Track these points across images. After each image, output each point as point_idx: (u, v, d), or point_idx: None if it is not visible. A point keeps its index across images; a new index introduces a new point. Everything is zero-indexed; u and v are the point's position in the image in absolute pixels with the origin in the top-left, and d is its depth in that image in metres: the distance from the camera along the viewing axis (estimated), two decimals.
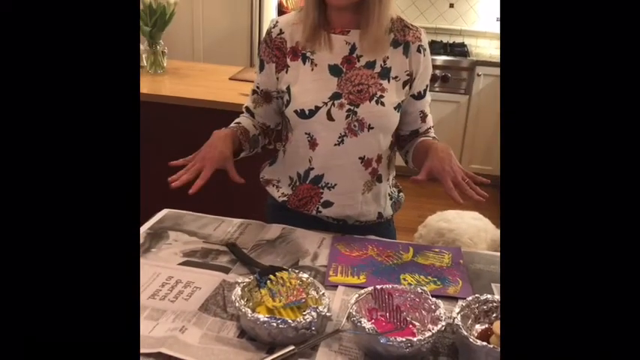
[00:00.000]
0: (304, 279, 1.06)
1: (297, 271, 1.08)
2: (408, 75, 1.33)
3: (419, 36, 1.33)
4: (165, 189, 1.23)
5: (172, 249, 1.27)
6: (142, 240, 1.29)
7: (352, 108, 1.30)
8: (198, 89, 2.63)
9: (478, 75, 3.72)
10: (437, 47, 3.94)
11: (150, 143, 2.50)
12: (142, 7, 2.69)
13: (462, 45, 4.04)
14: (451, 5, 4.15)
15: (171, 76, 2.81)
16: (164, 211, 1.44)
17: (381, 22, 1.27)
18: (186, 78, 2.80)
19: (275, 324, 0.93)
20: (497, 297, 1.05)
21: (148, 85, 2.63)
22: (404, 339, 0.90)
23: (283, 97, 1.35)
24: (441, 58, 3.78)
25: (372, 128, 1.31)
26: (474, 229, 2.12)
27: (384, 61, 1.31)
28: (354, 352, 0.96)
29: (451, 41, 4.12)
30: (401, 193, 1.52)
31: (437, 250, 1.31)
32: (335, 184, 1.36)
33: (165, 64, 2.81)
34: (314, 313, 0.95)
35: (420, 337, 0.91)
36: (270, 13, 3.83)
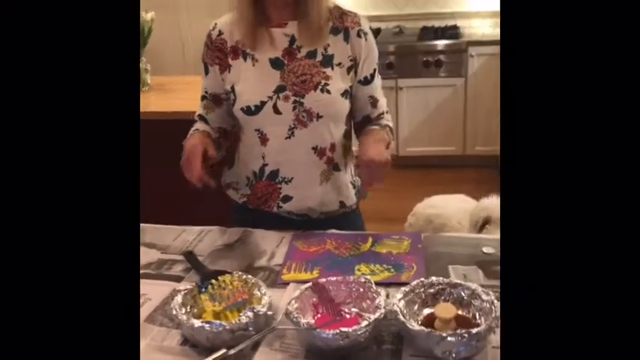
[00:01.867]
0: (248, 280, 1.05)
1: (240, 273, 1.07)
2: (351, 60, 1.32)
3: (358, 21, 1.32)
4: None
5: None
6: None
7: (298, 99, 1.29)
8: (182, 102, 2.64)
9: (471, 56, 3.65)
10: (428, 33, 3.89)
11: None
12: None
13: (454, 27, 3.98)
14: None
15: (156, 92, 2.83)
16: None
17: (319, 12, 1.26)
18: (171, 92, 2.82)
19: (210, 328, 0.92)
20: (447, 279, 1.02)
21: None
22: (337, 331, 0.88)
23: (230, 97, 1.35)
24: (432, 43, 3.72)
25: (321, 117, 1.30)
26: (462, 212, 2.08)
27: (325, 49, 1.30)
28: (295, 349, 0.94)
29: (443, 25, 4.05)
30: None
31: (396, 237, 1.29)
32: (292, 178, 1.35)
33: (149, 81, 2.83)
34: (250, 314, 0.94)
35: (354, 328, 0.89)
36: None
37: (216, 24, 1.37)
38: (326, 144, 1.34)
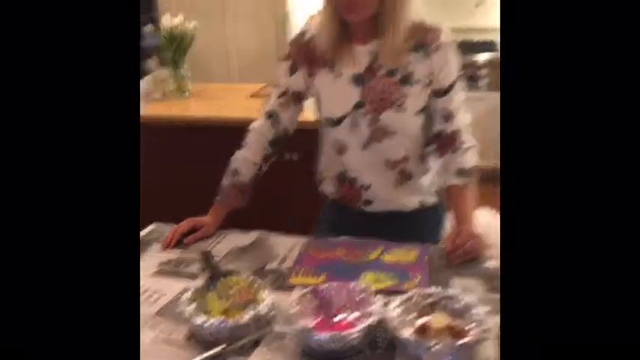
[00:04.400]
0: (255, 281, 1.10)
1: (248, 274, 1.13)
2: (429, 75, 1.34)
3: (438, 35, 1.32)
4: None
5: (152, 260, 1.34)
6: None
7: (375, 115, 1.35)
8: (220, 108, 2.73)
9: None
10: (465, 47, 3.89)
11: (174, 163, 2.63)
12: (163, 33, 2.83)
13: (492, 43, 3.97)
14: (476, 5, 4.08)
15: (196, 98, 2.93)
16: (153, 225, 1.52)
17: (397, 31, 1.29)
18: (211, 99, 2.91)
19: (212, 324, 0.98)
20: (445, 290, 1.05)
21: (173, 108, 2.77)
22: (331, 334, 0.93)
23: (316, 102, 1.45)
24: (468, 58, 3.73)
25: (396, 134, 1.36)
26: (488, 226, 2.08)
27: (406, 67, 1.33)
28: (292, 350, 0.98)
29: (482, 40, 4.05)
30: None
31: (406, 247, 1.32)
32: (369, 185, 1.44)
33: (189, 87, 2.94)
34: (252, 312, 0.99)
35: (348, 332, 0.93)
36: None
37: (308, 27, 1.42)
38: (399, 156, 1.40)
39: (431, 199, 1.49)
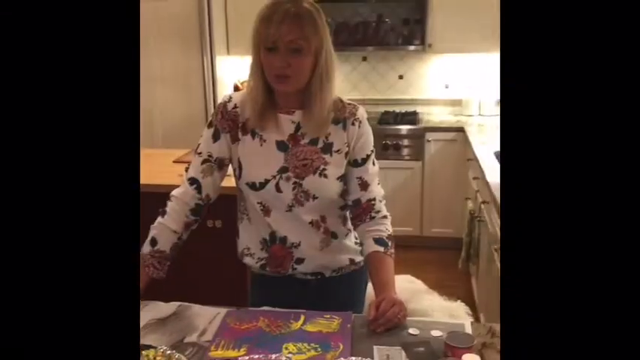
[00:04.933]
0: (172, 356, 1.06)
1: (164, 348, 1.08)
2: (347, 146, 1.42)
3: (354, 112, 1.43)
4: None
5: None
6: None
7: (298, 181, 1.40)
8: (141, 174, 2.68)
9: (428, 141, 3.81)
10: (389, 118, 4.06)
11: None
12: None
13: (414, 113, 4.16)
14: (400, 77, 4.30)
15: None
16: None
17: (322, 105, 1.37)
18: None
19: None
20: (365, 359, 1.05)
21: None
22: None
23: (235, 168, 1.45)
24: (391, 128, 3.88)
25: (317, 198, 1.41)
26: (409, 293, 2.12)
27: (327, 138, 1.41)
28: None
29: (403, 110, 4.24)
30: None
31: (328, 316, 1.32)
32: (299, 242, 1.45)
33: None
34: None
35: None
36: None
37: (231, 97, 1.46)
38: (318, 217, 1.44)
39: (360, 257, 1.51)
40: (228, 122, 1.43)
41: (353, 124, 1.42)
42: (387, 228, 1.44)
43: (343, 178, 1.43)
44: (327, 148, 1.41)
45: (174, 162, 2.85)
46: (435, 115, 4.23)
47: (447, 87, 4.26)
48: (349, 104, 1.44)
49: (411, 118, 4.06)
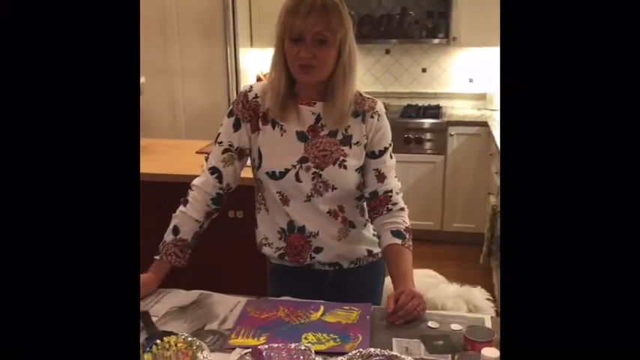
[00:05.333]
0: (192, 343, 1.08)
1: (185, 335, 1.10)
2: (365, 139, 1.44)
3: (373, 105, 1.45)
4: None
5: None
6: None
7: (317, 171, 1.41)
8: (164, 165, 2.71)
9: (451, 135, 3.78)
10: (411, 111, 4.03)
11: None
12: None
13: (437, 107, 4.13)
14: (424, 70, 4.27)
15: (141, 154, 2.90)
16: None
17: (345, 96, 1.39)
18: (154, 154, 2.89)
19: None
20: (384, 351, 1.06)
21: None
22: None
23: (254, 158, 1.46)
24: (414, 121, 3.85)
25: (336, 189, 1.42)
26: (429, 287, 2.11)
27: (346, 130, 1.42)
28: None
29: (426, 104, 4.21)
30: None
31: (347, 307, 1.32)
32: (317, 232, 1.45)
33: None
34: None
35: None
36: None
37: (252, 87, 1.47)
38: (335, 207, 1.45)
39: (377, 249, 1.51)
40: (249, 112, 1.44)
41: (372, 116, 1.43)
42: (404, 220, 1.44)
43: (361, 170, 1.44)
44: (347, 140, 1.42)
45: (197, 153, 2.87)
46: (459, 109, 4.19)
47: (471, 81, 4.21)
48: (368, 98, 1.46)
49: (434, 111, 4.03)
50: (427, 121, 3.85)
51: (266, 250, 1.53)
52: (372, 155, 1.44)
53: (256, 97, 1.45)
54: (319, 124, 1.42)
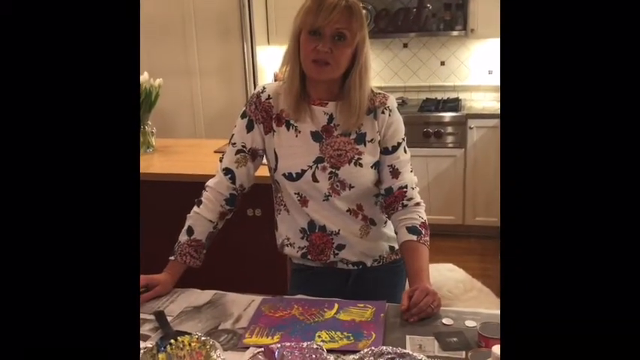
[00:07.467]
0: (206, 342, 1.09)
1: (199, 334, 1.11)
2: (378, 135, 1.44)
3: (384, 101, 1.45)
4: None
5: None
6: None
7: (334, 170, 1.41)
8: (183, 164, 2.73)
9: (470, 128, 3.74)
10: (430, 105, 4.00)
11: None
12: None
13: (456, 100, 4.09)
14: (442, 63, 4.23)
15: (159, 154, 2.93)
16: None
17: (361, 98, 1.39)
18: (174, 154, 2.92)
19: None
20: (396, 348, 1.05)
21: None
22: None
23: (271, 159, 1.47)
24: (433, 115, 3.82)
25: (353, 187, 1.42)
26: (452, 282, 2.10)
27: (359, 128, 1.42)
28: None
29: (445, 97, 4.17)
30: None
31: (361, 305, 1.32)
32: (338, 230, 1.45)
33: (154, 143, 2.94)
34: None
35: None
36: None
37: (265, 88, 1.47)
38: (356, 206, 1.45)
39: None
40: (261, 113, 1.44)
41: (383, 112, 1.43)
42: (419, 215, 1.43)
43: (377, 166, 1.44)
44: (361, 139, 1.42)
45: (215, 152, 2.89)
46: (478, 102, 4.15)
47: (490, 73, 4.16)
48: (379, 93, 1.45)
49: (453, 105, 3.99)
50: (446, 115, 3.82)
51: (288, 250, 1.52)
52: (385, 151, 1.44)
53: (269, 98, 1.45)
54: (332, 124, 1.42)
